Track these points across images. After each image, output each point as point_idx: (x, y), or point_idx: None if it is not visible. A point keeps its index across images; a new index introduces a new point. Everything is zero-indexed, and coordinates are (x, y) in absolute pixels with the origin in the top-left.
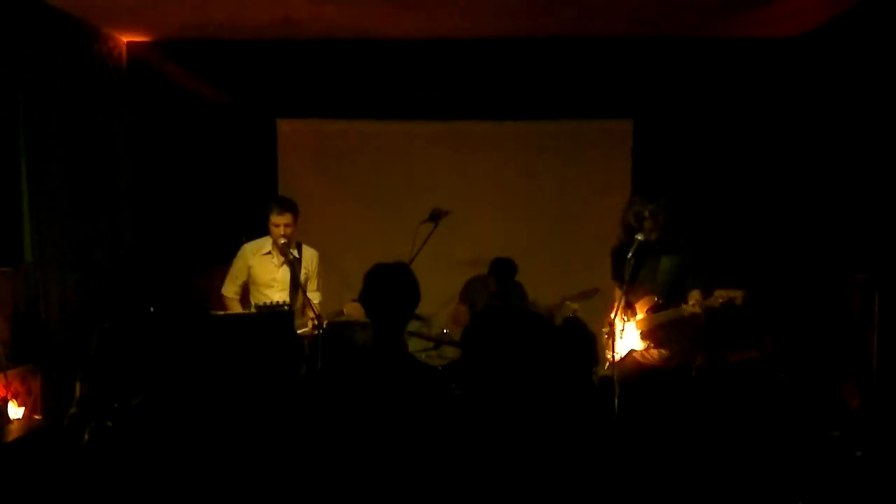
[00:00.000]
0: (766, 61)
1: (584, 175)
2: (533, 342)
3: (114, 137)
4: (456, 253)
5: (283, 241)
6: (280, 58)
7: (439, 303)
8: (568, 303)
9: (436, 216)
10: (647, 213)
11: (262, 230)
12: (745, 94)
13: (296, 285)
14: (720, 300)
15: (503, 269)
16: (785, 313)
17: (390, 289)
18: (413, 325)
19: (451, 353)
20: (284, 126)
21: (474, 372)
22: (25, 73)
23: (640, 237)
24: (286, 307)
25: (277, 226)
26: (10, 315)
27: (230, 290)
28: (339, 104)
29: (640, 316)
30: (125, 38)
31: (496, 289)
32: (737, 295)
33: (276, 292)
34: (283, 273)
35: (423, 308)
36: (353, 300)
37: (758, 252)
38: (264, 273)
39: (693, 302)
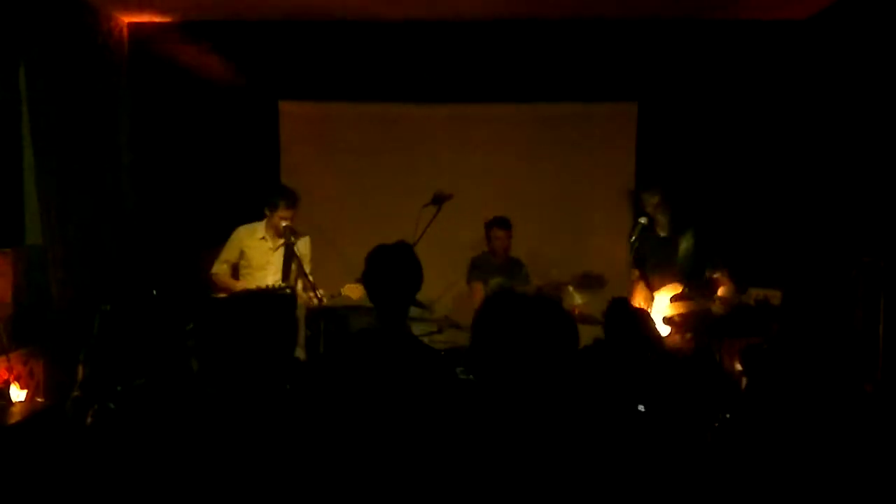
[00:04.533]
0: (772, 44)
1: (588, 157)
2: (545, 327)
3: (116, 118)
4: (458, 236)
5: (285, 223)
6: (283, 39)
7: (442, 286)
8: (573, 291)
9: (438, 199)
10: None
11: (262, 208)
12: (750, 77)
13: (289, 267)
14: (755, 298)
15: (502, 221)
16: (792, 298)
17: (392, 270)
18: (416, 311)
19: (452, 336)
20: (287, 108)
21: (486, 358)
22: (28, 54)
23: (643, 221)
24: (287, 290)
25: (283, 219)
26: (11, 297)
27: (220, 269)
28: (342, 86)
29: (662, 300)
30: (126, 19)
31: (507, 241)
32: (774, 295)
33: (270, 275)
34: (277, 256)
35: (425, 292)
36: (356, 280)
37: (763, 236)
38: (259, 256)
39: (724, 297)
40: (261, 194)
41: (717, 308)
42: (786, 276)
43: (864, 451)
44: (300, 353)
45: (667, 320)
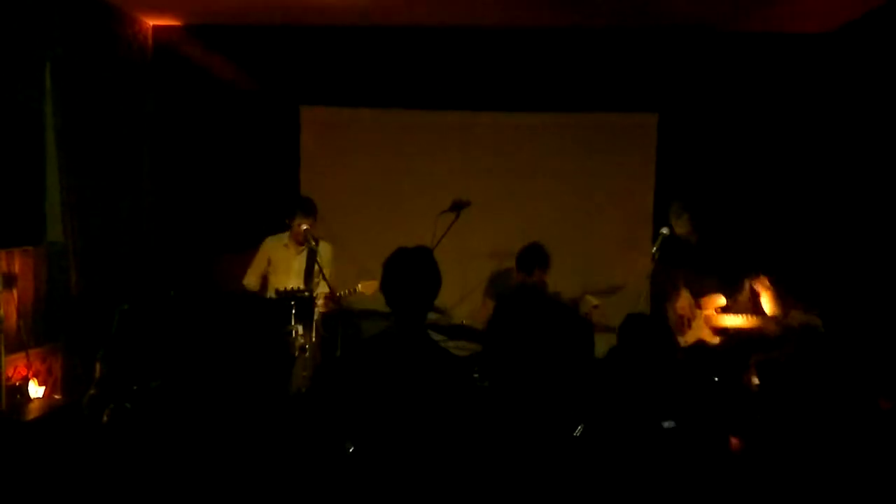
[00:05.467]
0: (794, 56)
1: (608, 168)
2: (558, 328)
3: (138, 119)
4: (476, 244)
5: (304, 227)
6: (304, 44)
7: (458, 294)
8: (588, 297)
9: (457, 206)
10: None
11: (283, 218)
12: (770, 89)
13: (311, 272)
14: (798, 322)
15: (541, 257)
16: (833, 322)
17: (411, 273)
18: (431, 317)
19: (465, 343)
20: (308, 113)
21: (500, 358)
22: (53, 54)
23: (664, 231)
24: (306, 293)
25: (302, 226)
26: (31, 294)
27: (251, 280)
28: (364, 92)
29: (708, 309)
30: (151, 22)
31: (540, 280)
32: (818, 323)
33: (292, 279)
34: (299, 262)
35: (442, 299)
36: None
37: (783, 249)
38: (282, 262)
39: (775, 317)
40: (281, 200)
41: (770, 328)
42: (820, 295)
43: (875, 467)
44: (315, 355)
45: (717, 331)
